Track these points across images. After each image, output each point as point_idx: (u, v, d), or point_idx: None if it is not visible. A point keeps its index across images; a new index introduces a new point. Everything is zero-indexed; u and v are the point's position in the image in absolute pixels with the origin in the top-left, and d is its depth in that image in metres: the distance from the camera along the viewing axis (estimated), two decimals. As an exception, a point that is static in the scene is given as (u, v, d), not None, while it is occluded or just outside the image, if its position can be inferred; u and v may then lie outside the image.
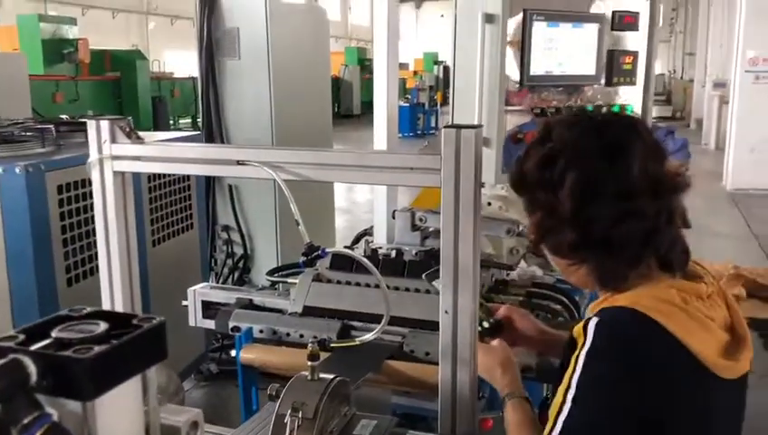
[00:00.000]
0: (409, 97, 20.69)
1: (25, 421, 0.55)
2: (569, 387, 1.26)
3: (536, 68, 2.49)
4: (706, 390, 1.30)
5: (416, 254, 2.56)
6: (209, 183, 5.45)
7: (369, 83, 27.99)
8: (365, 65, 26.64)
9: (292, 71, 6.43)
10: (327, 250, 1.47)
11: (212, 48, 6.68)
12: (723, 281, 6.50)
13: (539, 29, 2.45)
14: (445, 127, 1.45)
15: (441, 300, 1.51)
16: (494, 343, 1.69)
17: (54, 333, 0.61)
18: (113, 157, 1.76)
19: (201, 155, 1.72)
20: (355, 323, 2.29)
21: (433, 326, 1.91)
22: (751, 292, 6.42)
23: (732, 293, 6.56)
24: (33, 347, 0.58)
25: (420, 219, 2.76)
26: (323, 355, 1.62)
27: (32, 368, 0.57)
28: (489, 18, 2.38)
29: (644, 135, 1.35)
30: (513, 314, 1.82)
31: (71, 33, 16.46)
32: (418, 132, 19.30)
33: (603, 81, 2.66)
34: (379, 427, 1.47)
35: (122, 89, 16.72)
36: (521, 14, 2.45)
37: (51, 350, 0.59)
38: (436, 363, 1.57)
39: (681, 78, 31.78)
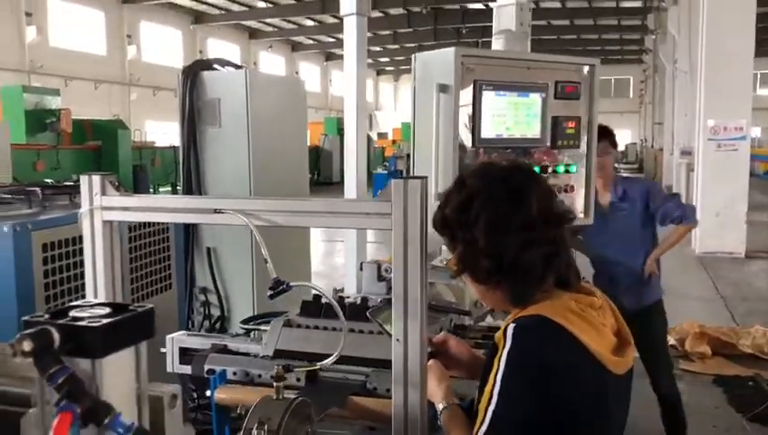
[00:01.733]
0: (387, 165, 21.19)
1: (51, 371, 0.75)
2: (494, 384, 1.50)
3: (486, 132, 2.77)
4: (602, 381, 1.57)
5: (380, 301, 2.76)
6: (188, 245, 5.59)
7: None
8: (344, 135, 27.26)
9: (270, 139, 6.69)
10: (291, 284, 1.68)
11: (194, 117, 6.96)
12: (688, 340, 6.72)
13: (488, 98, 2.75)
14: (394, 179, 1.69)
15: (393, 330, 1.72)
16: (430, 362, 1.90)
17: (71, 314, 0.82)
18: (103, 207, 1.97)
19: (183, 205, 1.95)
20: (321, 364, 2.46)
21: (388, 365, 2.12)
22: (715, 349, 6.63)
23: (697, 350, 6.74)
24: (57, 321, 0.79)
25: (386, 270, 2.97)
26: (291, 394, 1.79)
27: (56, 335, 0.77)
28: (443, 88, 2.67)
29: (540, 180, 1.68)
30: (450, 340, 2.06)
31: (54, 103, 16.81)
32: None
33: (549, 143, 2.95)
34: (338, 440, 1.64)
35: (103, 157, 16.96)
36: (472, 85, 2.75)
37: (69, 323, 0.80)
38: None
39: (652, 146, 32.88)
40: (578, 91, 2.97)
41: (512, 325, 1.56)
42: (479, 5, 24.42)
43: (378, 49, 34.01)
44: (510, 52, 3.18)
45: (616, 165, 6.35)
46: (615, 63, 40.81)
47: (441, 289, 3.11)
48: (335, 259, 11.41)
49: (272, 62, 34.59)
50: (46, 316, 0.79)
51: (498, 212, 1.58)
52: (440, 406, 1.81)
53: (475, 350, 2.15)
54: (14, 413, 0.87)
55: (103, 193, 1.98)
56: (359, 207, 1.72)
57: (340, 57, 38.87)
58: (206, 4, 28.26)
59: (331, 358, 1.84)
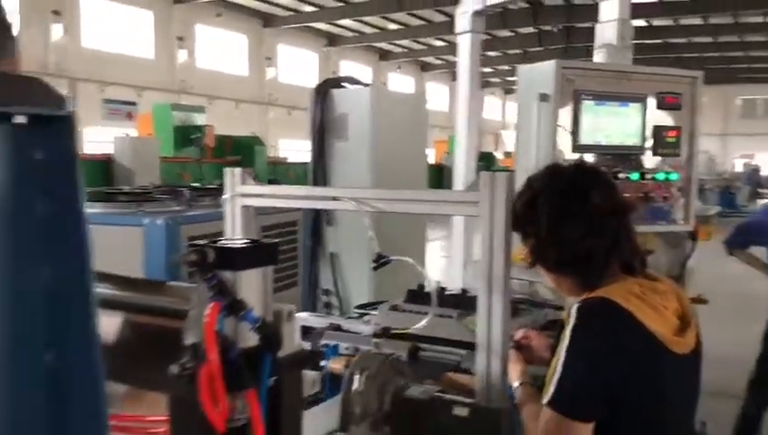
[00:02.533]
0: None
1: (207, 276, 1.08)
2: (559, 357, 1.70)
3: (585, 139, 2.95)
4: (658, 359, 1.73)
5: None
6: (314, 249, 6.03)
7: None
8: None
9: (392, 152, 7.07)
10: (392, 258, 1.97)
11: (323, 131, 7.52)
12: None
13: (587, 107, 2.93)
14: (483, 171, 1.95)
15: (479, 302, 1.97)
16: (510, 352, 2.13)
17: (222, 242, 1.16)
18: (242, 194, 2.36)
19: (307, 193, 2.30)
20: (422, 345, 2.73)
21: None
22: None
23: None
24: (213, 244, 1.13)
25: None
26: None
27: (211, 253, 1.10)
28: (543, 97, 2.89)
29: (600, 176, 1.89)
30: (530, 334, 2.28)
31: (199, 120, 18.23)
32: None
33: (649, 151, 3.07)
34: (426, 391, 1.91)
35: (241, 171, 18.12)
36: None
37: (220, 245, 1.13)
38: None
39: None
40: (679, 102, 3.07)
41: (576, 305, 1.78)
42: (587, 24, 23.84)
43: (507, 68, 33.97)
44: (609, 64, 3.33)
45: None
46: (763, 82, 38.32)
47: (540, 288, 3.31)
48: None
49: (401, 82, 35.46)
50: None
51: (559, 207, 1.81)
52: (515, 384, 2.04)
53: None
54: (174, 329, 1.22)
55: (242, 183, 2.38)
56: (451, 196, 2.00)
57: (468, 77, 38.76)
58: (340, 27, 29.52)
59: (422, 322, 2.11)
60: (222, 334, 1.07)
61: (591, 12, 4.44)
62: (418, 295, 2.96)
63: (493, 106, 41.90)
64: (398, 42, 31.98)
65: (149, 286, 1.42)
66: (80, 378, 0.92)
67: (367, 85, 8.58)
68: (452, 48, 32.41)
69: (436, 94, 36.90)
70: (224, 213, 2.42)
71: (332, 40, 31.04)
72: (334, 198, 2.19)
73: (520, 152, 3.09)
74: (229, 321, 1.10)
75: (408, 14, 25.74)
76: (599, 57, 3.39)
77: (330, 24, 28.66)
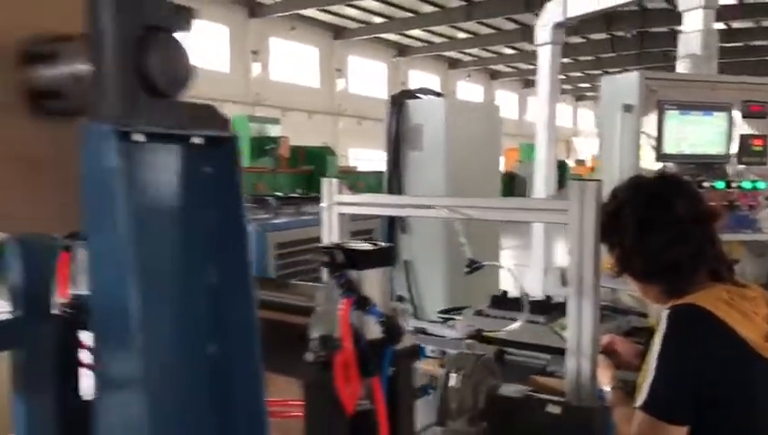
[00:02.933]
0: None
1: (337, 275, 1.23)
2: (652, 362, 1.77)
3: (669, 148, 2.98)
4: (749, 364, 1.78)
5: (563, 300, 3.07)
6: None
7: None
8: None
9: (466, 162, 7.17)
10: (484, 263, 2.08)
11: (399, 141, 7.68)
12: None
13: (671, 116, 2.96)
14: (571, 180, 2.04)
15: (568, 306, 2.05)
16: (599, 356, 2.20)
17: (347, 246, 1.31)
18: (339, 203, 2.53)
19: (400, 202, 2.44)
20: (508, 349, 2.83)
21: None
22: None
23: None
24: (340, 246, 1.28)
25: (570, 275, 3.27)
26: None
27: (340, 254, 1.25)
28: (627, 108, 2.94)
29: (683, 186, 1.95)
30: (616, 341, 2.34)
31: (273, 131, 18.75)
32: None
33: (734, 160, 3.08)
34: (519, 390, 2.01)
35: (313, 180, 18.57)
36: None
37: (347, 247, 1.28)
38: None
39: None
40: (764, 110, 3.07)
41: (666, 311, 1.84)
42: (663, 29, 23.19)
43: (578, 75, 33.46)
44: (693, 74, 3.35)
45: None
46: None
47: (623, 296, 3.34)
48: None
49: (470, 90, 35.42)
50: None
51: (644, 217, 1.89)
52: (606, 388, 2.11)
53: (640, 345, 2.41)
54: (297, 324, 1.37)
55: (339, 192, 2.54)
56: (541, 204, 2.09)
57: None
58: (409, 37, 29.77)
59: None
60: (353, 326, 1.21)
61: (666, 16, 4.43)
62: (502, 301, 3.05)
63: (564, 113, 41.32)
64: (467, 50, 31.98)
65: (276, 285, 1.58)
66: (241, 366, 1.08)
67: (441, 96, 8.69)
68: (522, 56, 32.03)
69: (506, 102, 36.66)
70: (321, 220, 2.59)
71: (402, 50, 31.31)
72: (427, 207, 2.32)
73: (603, 162, 3.15)
74: (357, 314, 1.24)
75: (478, 22, 25.74)
76: (682, 67, 3.41)
77: (399, 34, 28.95)
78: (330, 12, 25.51)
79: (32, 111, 1.06)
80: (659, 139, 2.95)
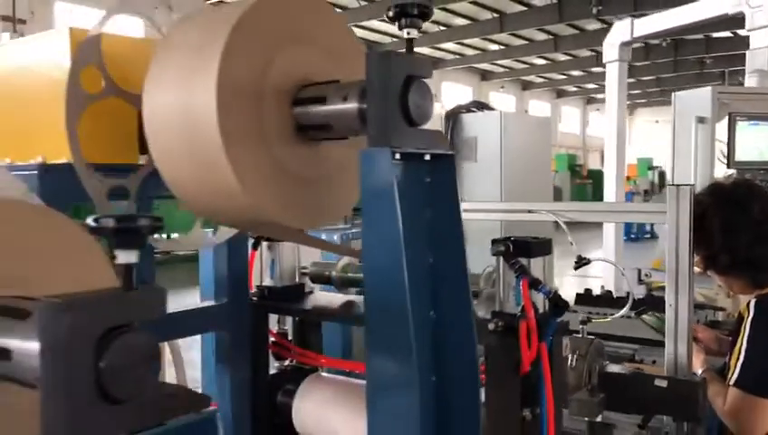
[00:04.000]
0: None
1: (512, 262, 1.57)
2: (742, 344, 2.07)
3: (741, 156, 3.27)
4: None
5: (643, 296, 3.37)
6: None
7: (579, 188, 28.55)
8: (575, 171, 27.12)
9: (519, 172, 7.49)
10: (591, 259, 2.39)
11: (454, 153, 7.99)
12: None
13: (742, 127, 3.25)
14: (669, 185, 2.35)
15: (666, 297, 2.35)
16: None
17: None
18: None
19: (503, 207, 2.76)
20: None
21: (653, 344, 2.76)
22: None
23: None
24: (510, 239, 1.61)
25: (646, 275, 3.57)
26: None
27: (512, 245, 1.58)
28: (701, 120, 3.24)
29: (759, 191, 2.25)
30: (698, 329, 2.64)
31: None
32: (632, 236, 19.29)
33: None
34: (625, 368, 2.31)
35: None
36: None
37: (518, 239, 1.61)
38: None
39: None
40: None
41: (753, 300, 2.15)
42: (725, 34, 23.24)
43: (637, 91, 33.54)
44: (761, 88, 3.62)
45: None
46: None
47: (697, 296, 3.63)
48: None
49: (502, 100, 35.63)
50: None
51: (726, 219, 2.19)
52: (699, 371, 2.40)
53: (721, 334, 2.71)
54: None
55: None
56: (640, 207, 2.40)
57: (570, 94, 37.95)
58: (442, 50, 30.15)
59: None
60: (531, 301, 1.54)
61: (729, 42, 4.67)
62: (586, 298, 3.35)
63: (571, 116, 41.04)
64: (499, 62, 32.23)
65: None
66: (455, 329, 1.40)
67: (494, 110, 9.05)
68: (554, 66, 32.00)
69: (539, 112, 36.75)
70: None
71: (434, 63, 31.69)
72: (530, 211, 2.63)
73: (677, 170, 3.44)
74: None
75: (510, 34, 26.00)
76: (751, 81, 3.68)
77: (432, 48, 29.35)
78: (362, 26, 26.03)
79: (300, 140, 1.41)
80: (731, 148, 3.24)
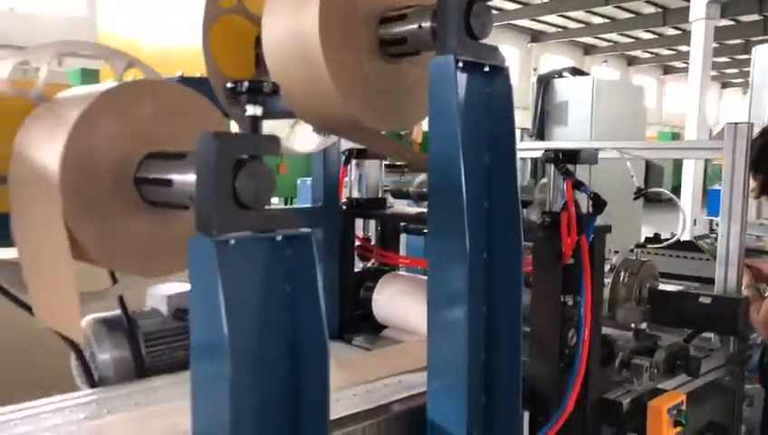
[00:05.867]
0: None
1: (560, 167, 1.85)
2: None
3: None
4: None
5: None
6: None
7: (681, 168, 27.44)
8: (678, 149, 26.02)
9: (609, 139, 7.55)
10: (649, 190, 2.61)
11: (544, 118, 8.18)
12: None
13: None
14: (727, 124, 2.54)
15: (719, 225, 2.55)
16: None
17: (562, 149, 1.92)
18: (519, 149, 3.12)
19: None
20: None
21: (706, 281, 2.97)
22: None
23: None
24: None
25: (716, 224, 3.70)
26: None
27: (561, 154, 1.87)
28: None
29: None
30: (753, 261, 2.81)
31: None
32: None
33: None
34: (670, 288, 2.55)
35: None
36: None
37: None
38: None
39: None
40: None
41: None
42: None
43: (725, 60, 31.82)
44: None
45: None
46: None
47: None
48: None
49: (605, 75, 34.60)
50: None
51: None
52: (744, 291, 2.59)
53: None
54: None
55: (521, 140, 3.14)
56: (700, 144, 2.60)
57: (679, 70, 36.16)
58: (543, 23, 29.60)
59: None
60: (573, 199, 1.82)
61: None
62: (654, 241, 3.54)
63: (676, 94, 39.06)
64: (603, 35, 31.28)
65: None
66: (505, 217, 1.70)
67: (587, 75, 9.07)
68: (662, 40, 30.67)
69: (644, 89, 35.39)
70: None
71: (535, 37, 31.17)
72: (597, 149, 2.86)
73: (753, 112, 3.58)
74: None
75: (615, 6, 25.21)
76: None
77: (532, 20, 28.85)
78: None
79: (384, 55, 1.75)
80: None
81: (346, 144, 2.44)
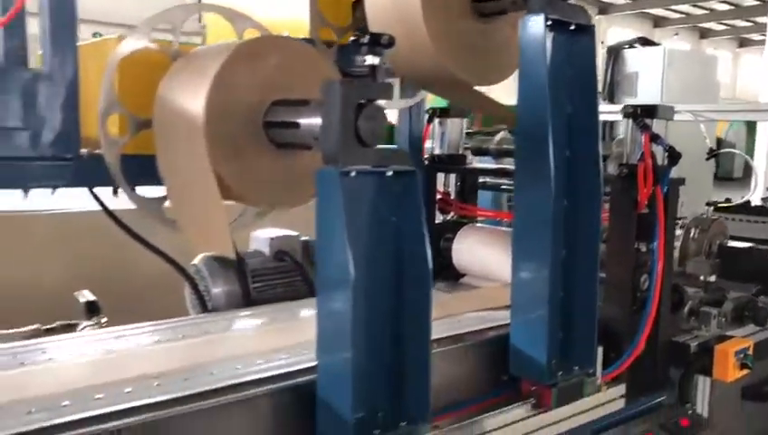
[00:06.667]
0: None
1: (639, 121, 1.99)
2: None
3: None
4: None
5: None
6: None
7: (753, 147, 26.43)
8: (753, 127, 25.13)
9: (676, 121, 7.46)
10: (716, 151, 2.69)
11: (613, 88, 8.15)
12: None
13: None
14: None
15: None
16: None
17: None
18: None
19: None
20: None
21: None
22: None
23: None
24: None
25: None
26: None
27: (640, 110, 2.00)
28: None
29: None
30: None
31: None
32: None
33: None
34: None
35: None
36: None
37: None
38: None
39: None
40: None
41: None
42: None
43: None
44: None
45: None
46: None
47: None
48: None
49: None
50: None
51: None
52: None
53: None
54: None
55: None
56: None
57: (755, 43, 34.65)
58: (612, -6, 28.82)
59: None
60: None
61: None
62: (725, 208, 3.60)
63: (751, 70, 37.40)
64: (675, 7, 30.24)
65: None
66: (585, 164, 1.86)
67: (658, 45, 8.96)
68: (738, 12, 29.46)
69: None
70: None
71: (603, 9, 30.38)
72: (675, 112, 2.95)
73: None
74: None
75: (690, -24, 24.35)
76: None
77: (602, -9, 28.13)
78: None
79: (476, 13, 1.92)
80: None
81: (430, 104, 2.62)
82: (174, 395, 1.41)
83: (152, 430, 1.34)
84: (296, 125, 1.58)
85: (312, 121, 1.54)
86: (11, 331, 1.95)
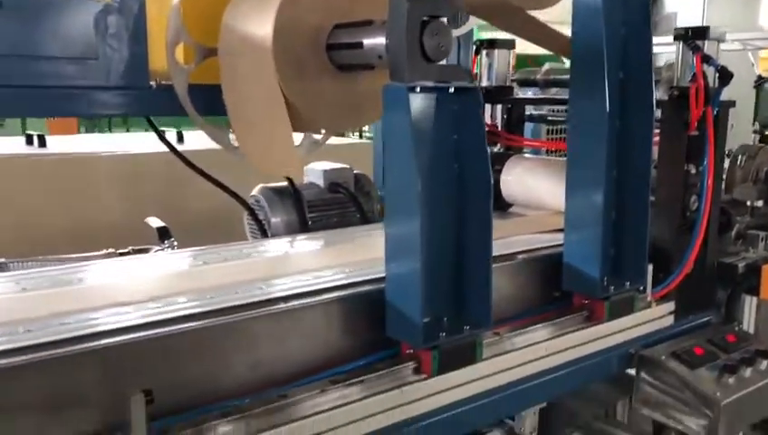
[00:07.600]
0: None
1: (688, 43, 2.00)
2: None
3: None
4: None
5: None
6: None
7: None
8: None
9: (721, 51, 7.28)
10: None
11: (651, 30, 7.97)
12: None
13: None
14: None
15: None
16: None
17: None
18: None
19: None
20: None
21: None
22: None
23: None
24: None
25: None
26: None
27: (691, 31, 2.01)
28: None
29: None
30: None
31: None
32: None
33: None
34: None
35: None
36: None
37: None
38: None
39: None
40: None
41: None
42: None
43: None
44: None
45: None
46: None
47: None
48: None
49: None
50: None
51: None
52: None
53: None
54: None
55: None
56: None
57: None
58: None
59: None
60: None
61: None
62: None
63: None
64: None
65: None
66: (639, 87, 1.89)
67: (698, -16, 8.70)
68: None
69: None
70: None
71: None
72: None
73: None
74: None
75: None
76: None
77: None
78: None
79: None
80: None
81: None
82: (253, 299, 1.52)
83: (233, 330, 1.44)
84: (360, 45, 1.64)
85: (375, 41, 1.60)
86: (87, 253, 2.08)
